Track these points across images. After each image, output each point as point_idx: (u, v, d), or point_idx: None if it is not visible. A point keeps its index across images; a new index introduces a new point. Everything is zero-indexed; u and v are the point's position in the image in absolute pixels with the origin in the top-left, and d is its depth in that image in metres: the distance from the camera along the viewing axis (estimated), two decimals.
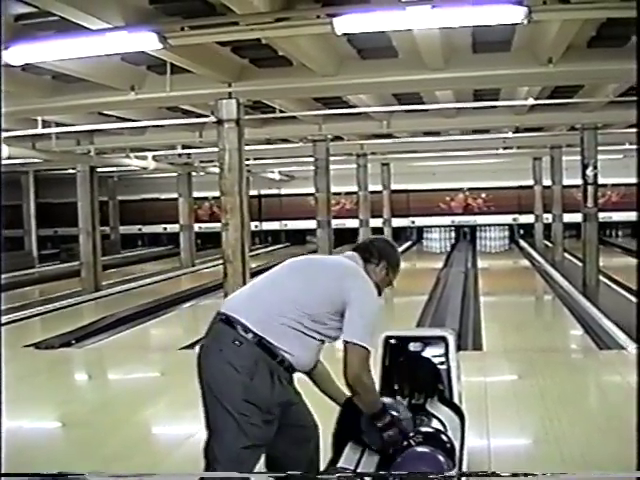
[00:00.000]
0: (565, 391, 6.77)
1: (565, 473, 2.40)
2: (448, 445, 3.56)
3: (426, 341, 4.34)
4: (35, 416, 6.44)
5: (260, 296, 3.43)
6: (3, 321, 10.95)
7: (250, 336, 3.27)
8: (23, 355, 8.97)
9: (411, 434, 3.58)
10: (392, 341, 4.34)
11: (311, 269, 3.57)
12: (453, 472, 3.26)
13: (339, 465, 3.52)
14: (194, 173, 22.44)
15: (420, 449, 3.46)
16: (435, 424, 3.94)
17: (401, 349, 4.31)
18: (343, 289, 3.38)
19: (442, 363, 4.24)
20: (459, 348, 4.54)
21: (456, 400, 4.15)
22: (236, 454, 3.23)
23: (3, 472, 2.54)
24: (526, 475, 2.19)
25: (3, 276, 17.07)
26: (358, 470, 3.54)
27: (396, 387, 4.19)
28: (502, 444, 5.40)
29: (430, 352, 4.28)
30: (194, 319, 12.33)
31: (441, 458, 3.34)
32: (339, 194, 24.72)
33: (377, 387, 4.26)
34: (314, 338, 3.39)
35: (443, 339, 4.32)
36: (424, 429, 3.74)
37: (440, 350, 4.29)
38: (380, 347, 4.32)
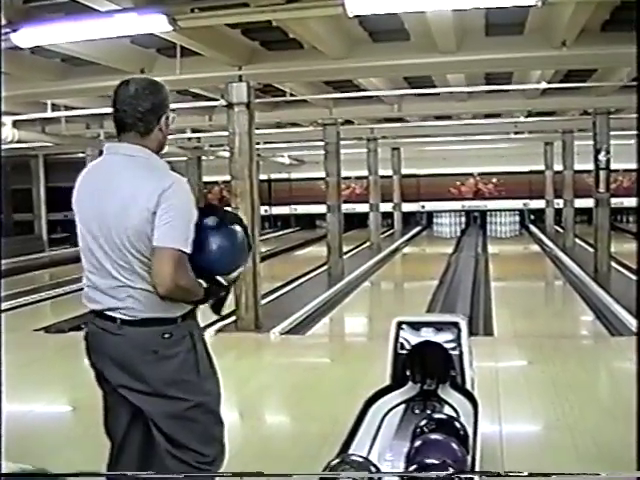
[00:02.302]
0: (576, 377, 6.75)
1: (563, 474, 2.37)
2: (461, 432, 3.53)
3: (438, 327, 4.32)
4: (45, 400, 6.45)
5: None
6: (13, 305, 11.01)
7: None
8: (33, 339, 8.99)
9: (424, 422, 3.54)
10: (404, 327, 4.31)
11: None
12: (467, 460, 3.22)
13: (350, 452, 3.50)
14: (204, 157, 22.41)
15: (433, 436, 3.43)
16: (447, 410, 3.91)
17: (413, 335, 4.28)
18: None
19: (454, 349, 4.21)
20: (470, 333, 4.50)
21: (469, 386, 4.12)
22: None
23: (3, 472, 2.51)
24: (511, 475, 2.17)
25: (13, 260, 17.15)
26: (370, 457, 3.52)
27: (408, 373, 4.17)
28: (514, 430, 5.37)
29: (442, 338, 4.25)
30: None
31: (454, 445, 3.31)
32: (349, 178, 24.68)
33: (388, 373, 4.25)
34: None
35: (455, 325, 4.30)
36: (437, 416, 3.71)
37: (452, 336, 4.26)
38: (392, 333, 4.29)
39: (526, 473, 2.07)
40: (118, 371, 3.10)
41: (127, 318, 3.05)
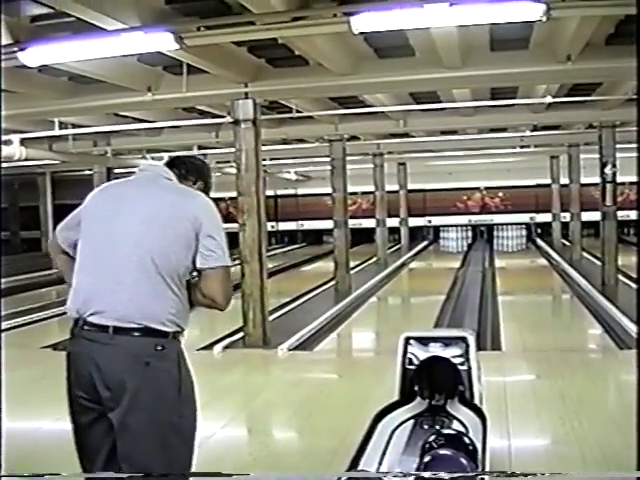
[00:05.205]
0: (585, 391, 6.72)
1: (563, 473, 2.36)
2: (470, 447, 3.52)
3: (446, 342, 4.31)
4: (54, 417, 6.43)
5: None
6: (22, 322, 11.03)
7: None
8: (41, 356, 8.98)
9: (432, 437, 3.53)
10: (412, 342, 4.31)
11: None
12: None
13: (359, 467, 3.49)
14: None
15: (442, 451, 3.42)
16: (456, 426, 3.90)
17: (421, 350, 4.28)
18: None
19: (462, 364, 4.20)
20: (478, 348, 4.50)
21: (477, 401, 4.11)
22: None
23: (3, 473, 2.51)
24: (515, 475, 2.16)
25: (21, 277, 17.19)
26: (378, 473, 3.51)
27: (416, 388, 4.16)
28: (522, 444, 5.36)
29: (450, 353, 4.24)
30: (211, 319, 12.31)
31: (463, 461, 3.30)
32: (356, 194, 24.70)
33: (397, 389, 4.25)
34: None
35: (463, 339, 4.29)
36: (446, 431, 3.70)
37: (460, 351, 4.25)
38: (400, 348, 4.29)
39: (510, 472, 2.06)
40: (102, 383, 3.04)
41: (121, 325, 3.00)
